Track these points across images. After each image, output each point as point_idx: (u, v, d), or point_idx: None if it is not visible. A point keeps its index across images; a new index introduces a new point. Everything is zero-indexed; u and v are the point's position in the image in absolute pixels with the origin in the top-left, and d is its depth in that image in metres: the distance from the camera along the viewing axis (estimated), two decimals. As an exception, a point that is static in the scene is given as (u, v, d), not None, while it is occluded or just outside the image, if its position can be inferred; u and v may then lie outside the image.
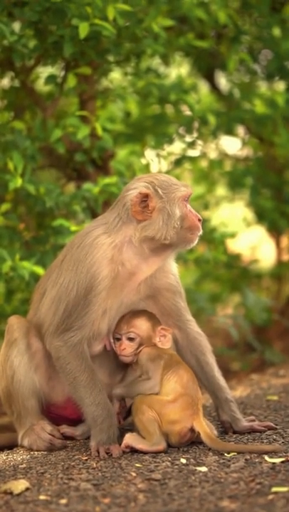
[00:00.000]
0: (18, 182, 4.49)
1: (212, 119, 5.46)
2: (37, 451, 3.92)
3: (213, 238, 5.65)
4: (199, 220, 3.87)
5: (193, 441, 3.75)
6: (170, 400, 3.68)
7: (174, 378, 3.73)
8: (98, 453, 3.68)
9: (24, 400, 3.96)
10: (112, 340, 3.88)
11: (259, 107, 5.91)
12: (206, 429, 3.68)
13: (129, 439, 3.70)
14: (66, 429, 3.99)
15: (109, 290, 3.79)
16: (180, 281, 4.02)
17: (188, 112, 5.54)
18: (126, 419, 4.06)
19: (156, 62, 5.73)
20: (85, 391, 3.77)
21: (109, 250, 3.79)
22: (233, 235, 5.85)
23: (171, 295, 3.95)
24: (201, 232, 3.89)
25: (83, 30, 4.44)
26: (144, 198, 3.77)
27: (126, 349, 3.81)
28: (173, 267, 3.99)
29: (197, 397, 3.71)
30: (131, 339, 3.82)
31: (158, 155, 5.68)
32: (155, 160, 5.66)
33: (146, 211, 3.78)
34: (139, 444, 3.67)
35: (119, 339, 3.85)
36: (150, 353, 3.81)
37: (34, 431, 3.95)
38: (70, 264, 3.84)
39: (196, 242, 3.90)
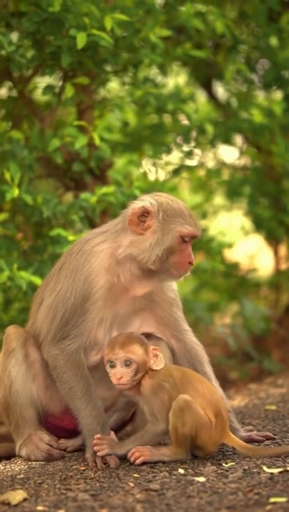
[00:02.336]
0: (15, 192, 4.50)
1: (210, 129, 5.48)
2: (35, 461, 3.91)
3: (210, 248, 5.65)
4: (190, 262, 3.78)
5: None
6: (214, 423, 3.60)
7: (198, 399, 3.61)
8: (95, 463, 3.67)
9: (22, 410, 3.95)
10: (107, 367, 3.71)
11: (257, 117, 5.92)
12: (239, 442, 3.68)
13: (143, 453, 3.63)
14: (65, 443, 3.98)
15: (105, 300, 3.79)
16: (178, 293, 4.01)
17: (185, 122, 5.55)
18: (123, 429, 4.06)
19: (153, 72, 5.75)
20: (81, 403, 3.76)
21: (106, 259, 3.80)
22: (230, 245, 5.86)
23: (168, 306, 3.95)
24: (187, 274, 3.82)
25: (81, 40, 4.46)
26: (145, 213, 3.77)
27: (123, 377, 3.61)
28: (172, 283, 3.96)
29: (223, 409, 3.66)
30: (127, 365, 3.62)
31: (155, 164, 5.69)
32: (153, 169, 5.67)
33: (141, 226, 3.77)
34: (155, 457, 3.63)
35: (112, 366, 3.66)
36: (152, 385, 3.65)
37: (32, 441, 3.94)
38: (68, 272, 3.85)
39: (180, 279, 3.84)
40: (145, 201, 3.80)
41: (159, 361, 3.68)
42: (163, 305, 3.93)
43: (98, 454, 3.64)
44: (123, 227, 3.81)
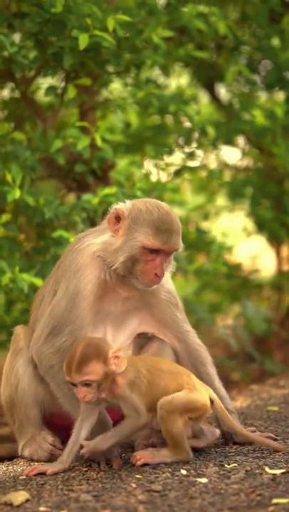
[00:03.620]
0: (17, 194, 4.50)
1: (211, 131, 5.48)
2: (37, 461, 3.91)
3: (210, 250, 5.66)
4: (156, 274, 3.71)
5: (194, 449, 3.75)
6: (190, 390, 3.64)
7: (171, 379, 3.65)
8: (98, 464, 3.67)
9: (27, 409, 3.95)
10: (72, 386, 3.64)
11: (259, 118, 5.92)
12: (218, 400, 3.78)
13: (145, 456, 3.64)
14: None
15: (97, 296, 3.79)
16: (176, 294, 3.98)
17: (187, 123, 5.55)
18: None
19: (156, 73, 5.75)
20: (79, 404, 3.70)
21: (92, 256, 3.80)
22: (230, 248, 5.86)
23: (166, 308, 3.93)
24: (153, 287, 3.76)
25: (83, 41, 4.46)
26: (118, 216, 3.76)
27: (86, 395, 3.53)
28: (166, 284, 3.93)
29: (187, 373, 3.74)
30: (88, 385, 3.53)
31: (157, 165, 5.69)
32: (154, 171, 5.67)
33: (116, 228, 3.76)
34: (157, 459, 3.64)
35: (74, 385, 3.56)
36: (127, 385, 3.59)
37: (35, 441, 3.94)
38: (64, 270, 3.87)
39: (149, 288, 3.77)
40: (126, 204, 3.78)
41: (122, 362, 3.57)
42: (160, 307, 3.92)
43: (85, 456, 3.60)
44: (106, 227, 3.83)
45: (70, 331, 3.76)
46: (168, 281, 3.95)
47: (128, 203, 3.79)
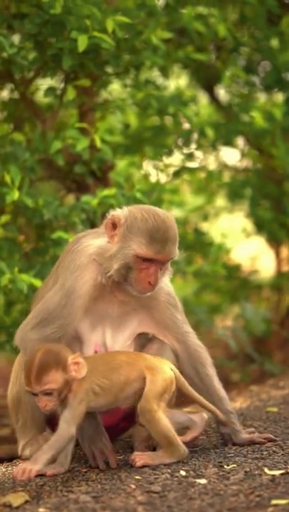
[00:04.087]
0: (15, 195, 4.50)
1: (210, 133, 5.48)
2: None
3: (209, 252, 5.66)
4: (150, 283, 3.69)
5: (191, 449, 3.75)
6: (152, 374, 3.64)
7: (130, 370, 3.64)
8: (94, 457, 3.67)
9: (33, 409, 3.93)
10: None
11: (258, 119, 5.92)
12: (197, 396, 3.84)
13: (143, 459, 3.64)
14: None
15: (92, 297, 3.80)
16: (175, 295, 3.97)
17: (187, 125, 5.55)
18: (126, 432, 4.07)
19: (155, 74, 5.75)
20: None
21: (90, 258, 3.80)
22: (228, 251, 5.87)
23: (165, 309, 3.92)
24: (147, 294, 3.74)
25: (82, 43, 4.46)
26: (114, 222, 3.76)
27: (47, 404, 3.49)
28: (165, 286, 3.91)
29: (143, 357, 3.75)
30: (48, 394, 3.48)
31: (156, 166, 5.69)
32: (154, 172, 5.67)
33: (112, 234, 3.76)
34: (156, 461, 3.64)
35: (34, 395, 3.52)
36: (79, 394, 3.53)
37: (37, 441, 3.94)
38: (61, 270, 3.87)
39: (143, 295, 3.75)
40: (123, 211, 3.77)
41: (81, 368, 3.53)
42: (159, 308, 3.92)
43: (17, 478, 3.49)
44: (104, 230, 3.83)
45: (59, 325, 3.75)
46: (167, 283, 3.93)
47: (125, 209, 3.78)
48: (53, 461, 3.62)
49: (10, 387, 4.09)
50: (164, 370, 3.68)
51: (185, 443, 3.72)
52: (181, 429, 3.82)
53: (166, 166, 5.72)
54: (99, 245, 3.80)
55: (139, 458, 3.65)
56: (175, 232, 3.75)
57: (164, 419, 3.62)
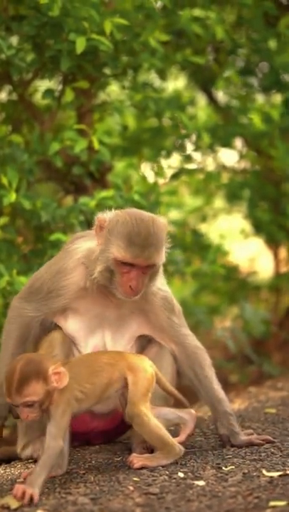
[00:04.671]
0: (13, 197, 4.51)
1: (206, 138, 5.48)
2: (36, 460, 3.90)
3: (207, 253, 5.67)
4: (131, 288, 3.67)
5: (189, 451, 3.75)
6: (134, 375, 3.66)
7: (111, 371, 3.65)
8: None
9: None
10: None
11: (256, 121, 5.92)
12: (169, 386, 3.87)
13: (141, 461, 3.65)
14: None
15: (82, 298, 3.83)
16: (172, 298, 3.96)
17: (184, 130, 5.54)
18: (124, 434, 4.07)
19: (152, 76, 5.75)
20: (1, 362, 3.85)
21: (79, 262, 3.82)
22: (226, 253, 5.87)
23: (161, 314, 3.92)
24: (134, 298, 3.72)
25: (80, 45, 4.47)
26: (99, 226, 3.76)
27: (29, 416, 3.46)
28: (161, 290, 3.91)
29: (123, 356, 3.77)
30: (30, 406, 3.45)
31: (154, 168, 5.69)
32: (151, 173, 5.67)
33: (99, 236, 3.76)
34: (154, 463, 3.64)
35: (16, 406, 3.49)
36: (62, 403, 3.50)
37: (40, 440, 3.93)
38: (52, 263, 3.94)
39: (128, 299, 3.73)
40: (111, 214, 3.76)
41: (63, 377, 3.49)
42: (155, 312, 3.92)
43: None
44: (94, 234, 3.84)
45: (41, 306, 3.85)
46: (161, 288, 3.92)
47: (111, 212, 3.77)
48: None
49: None
50: (145, 369, 3.69)
51: (181, 443, 3.72)
52: (172, 427, 3.82)
53: (162, 168, 5.69)
54: (88, 248, 3.81)
55: (137, 460, 3.65)
56: (159, 238, 3.69)
57: (153, 419, 3.62)
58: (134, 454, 3.71)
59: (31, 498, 3.26)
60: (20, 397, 3.44)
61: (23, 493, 3.27)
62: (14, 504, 3.27)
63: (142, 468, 3.62)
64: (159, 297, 3.90)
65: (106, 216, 3.75)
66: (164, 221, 3.77)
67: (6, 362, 3.83)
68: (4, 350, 3.90)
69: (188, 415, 3.85)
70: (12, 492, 3.30)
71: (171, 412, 3.83)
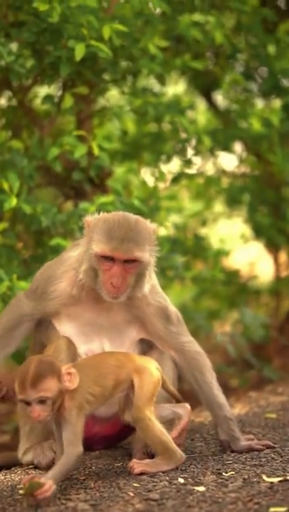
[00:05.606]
0: (13, 202, 4.51)
1: (207, 141, 5.49)
2: (37, 466, 3.92)
3: (208, 257, 5.67)
4: (112, 284, 3.66)
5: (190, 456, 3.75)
6: (140, 379, 3.67)
7: (118, 373, 3.66)
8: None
9: None
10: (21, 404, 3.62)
11: (255, 125, 5.93)
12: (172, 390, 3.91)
13: (141, 467, 3.65)
14: None
15: (73, 305, 3.86)
16: (168, 306, 3.95)
17: (184, 134, 5.55)
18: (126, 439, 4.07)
19: (152, 81, 5.76)
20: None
21: (69, 269, 3.85)
22: (227, 254, 5.87)
23: (157, 323, 3.92)
24: (115, 300, 3.72)
25: (79, 52, 4.48)
26: (88, 226, 3.78)
27: (41, 414, 3.43)
28: (155, 300, 3.91)
29: (130, 357, 3.78)
30: (42, 402, 3.44)
31: (154, 173, 5.70)
32: (151, 178, 5.68)
33: (85, 237, 3.80)
34: (154, 469, 3.64)
35: (28, 404, 3.46)
36: (75, 407, 3.52)
37: (42, 446, 3.95)
38: (48, 265, 4.01)
39: (113, 300, 3.73)
40: (99, 216, 3.78)
41: (74, 378, 3.51)
42: (150, 320, 3.92)
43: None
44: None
45: (35, 306, 3.92)
46: (157, 296, 3.92)
47: (97, 215, 3.79)
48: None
49: None
50: (152, 373, 3.70)
51: (174, 438, 3.71)
52: (167, 424, 3.81)
53: (162, 173, 5.69)
54: (78, 253, 3.83)
55: (138, 465, 3.65)
56: (141, 235, 3.69)
57: (158, 424, 3.63)
58: (134, 460, 3.71)
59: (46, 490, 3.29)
60: (35, 392, 3.43)
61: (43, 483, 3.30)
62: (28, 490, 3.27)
63: (142, 474, 3.62)
64: (154, 307, 3.90)
65: (91, 219, 3.78)
66: (151, 224, 3.79)
67: None
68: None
69: (182, 409, 3.84)
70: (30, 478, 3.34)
71: (165, 409, 3.83)
